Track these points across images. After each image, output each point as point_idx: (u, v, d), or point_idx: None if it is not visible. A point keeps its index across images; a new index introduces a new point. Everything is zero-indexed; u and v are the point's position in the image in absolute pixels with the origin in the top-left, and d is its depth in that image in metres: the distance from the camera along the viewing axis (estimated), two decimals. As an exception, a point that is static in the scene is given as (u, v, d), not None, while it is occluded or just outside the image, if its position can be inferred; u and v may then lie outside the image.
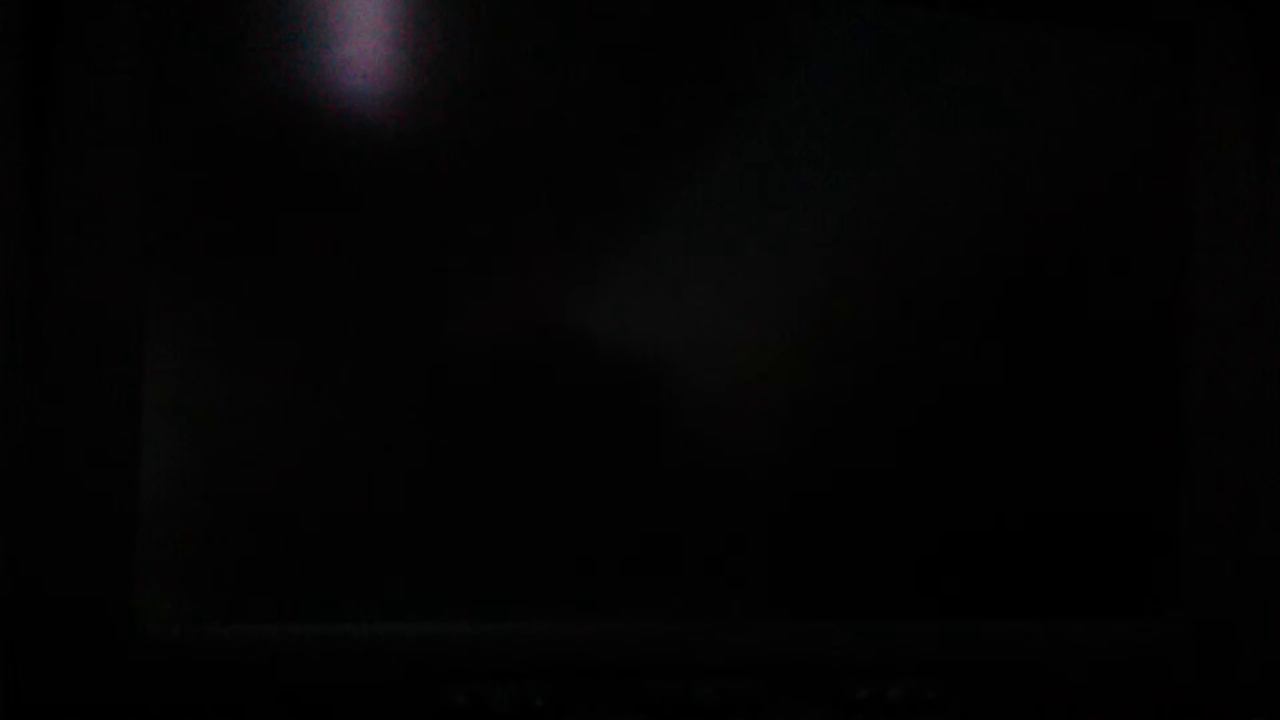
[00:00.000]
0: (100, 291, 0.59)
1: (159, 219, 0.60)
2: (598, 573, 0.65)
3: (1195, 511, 0.73)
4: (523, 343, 0.65)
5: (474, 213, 0.64)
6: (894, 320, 0.69)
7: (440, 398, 0.63)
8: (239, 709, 0.60)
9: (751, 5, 0.67)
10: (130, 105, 0.59)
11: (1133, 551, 0.73)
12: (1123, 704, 0.71)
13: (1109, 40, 0.72)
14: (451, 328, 0.64)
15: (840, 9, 0.68)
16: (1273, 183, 0.74)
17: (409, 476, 0.63)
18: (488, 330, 0.64)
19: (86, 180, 0.59)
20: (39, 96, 0.59)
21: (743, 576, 0.67)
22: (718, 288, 0.67)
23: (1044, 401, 0.71)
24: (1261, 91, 0.75)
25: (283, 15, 0.62)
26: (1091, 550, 0.72)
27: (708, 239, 0.66)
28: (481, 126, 0.64)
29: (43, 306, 0.59)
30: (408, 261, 0.63)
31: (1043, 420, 0.71)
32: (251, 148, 0.61)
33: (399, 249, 0.63)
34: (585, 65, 0.65)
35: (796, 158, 0.68)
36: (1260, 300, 0.74)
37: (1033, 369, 0.71)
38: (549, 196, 0.64)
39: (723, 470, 0.67)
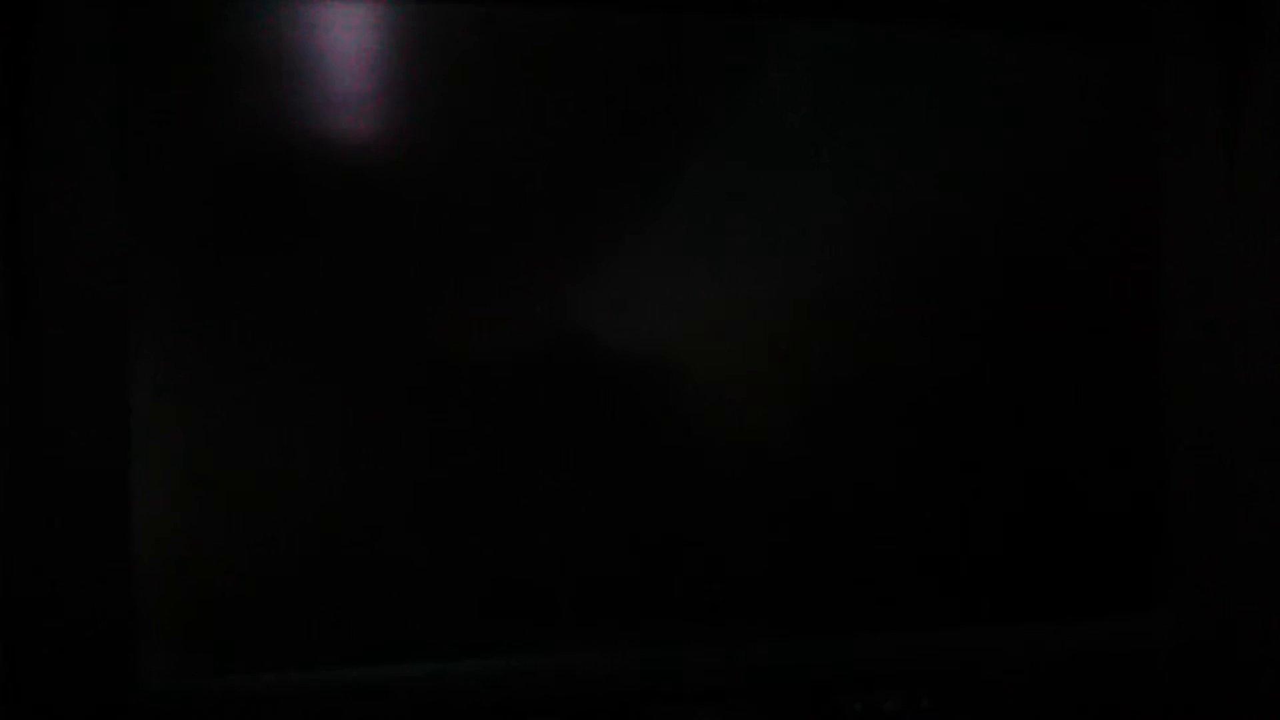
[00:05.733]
0: (85, 361, 0.61)
1: (140, 265, 0.62)
2: (597, 596, 0.67)
3: (1182, 508, 0.74)
4: (522, 364, 0.66)
5: (463, 225, 0.65)
6: (884, 320, 0.71)
7: (438, 430, 0.65)
8: None
9: (723, 23, 0.68)
10: (107, 126, 0.61)
11: (1121, 550, 0.74)
12: (1118, 702, 0.73)
13: (1079, 46, 0.74)
14: (446, 366, 0.65)
15: (818, 24, 0.70)
16: (1240, 177, 0.75)
17: (404, 514, 0.65)
18: (483, 358, 0.66)
19: (64, 255, 0.61)
20: (15, 110, 0.61)
21: (739, 591, 0.69)
22: (711, 286, 0.68)
23: (1031, 403, 0.73)
24: (1227, 89, 0.76)
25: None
26: (1080, 551, 0.73)
27: (699, 238, 0.68)
28: (471, 141, 0.66)
29: (25, 375, 0.60)
30: (400, 291, 0.65)
31: (1029, 422, 0.73)
32: (241, 169, 0.63)
33: (391, 276, 0.65)
34: (564, 85, 0.67)
35: (784, 161, 0.70)
36: (1235, 297, 0.75)
37: (1020, 370, 0.73)
38: (541, 205, 0.66)
39: (719, 477, 0.68)
